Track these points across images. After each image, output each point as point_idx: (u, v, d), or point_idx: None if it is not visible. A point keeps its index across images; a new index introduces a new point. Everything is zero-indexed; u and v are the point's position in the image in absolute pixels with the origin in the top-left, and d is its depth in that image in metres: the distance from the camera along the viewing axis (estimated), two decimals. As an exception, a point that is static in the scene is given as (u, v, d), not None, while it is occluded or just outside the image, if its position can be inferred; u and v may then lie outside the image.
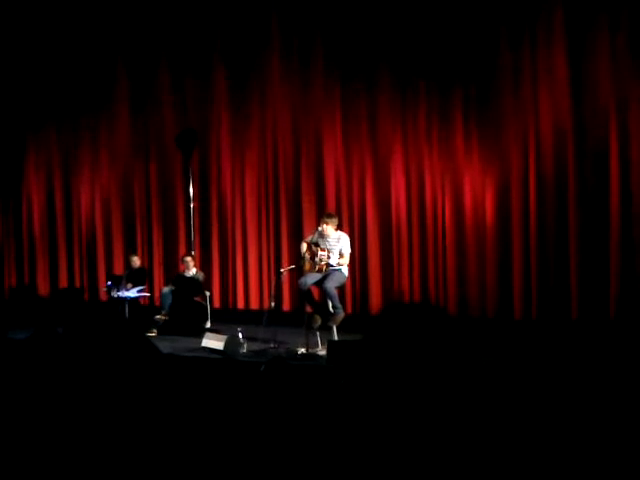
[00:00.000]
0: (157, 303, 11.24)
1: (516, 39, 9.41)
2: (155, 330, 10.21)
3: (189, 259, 10.78)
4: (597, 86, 9.01)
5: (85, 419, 2.98)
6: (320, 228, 8.82)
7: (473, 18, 9.59)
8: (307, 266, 8.78)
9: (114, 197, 12.38)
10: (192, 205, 11.44)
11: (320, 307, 8.86)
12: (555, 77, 9.25)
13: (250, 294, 11.42)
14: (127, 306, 10.66)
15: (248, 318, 10.38)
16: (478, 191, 9.77)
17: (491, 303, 9.74)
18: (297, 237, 10.47)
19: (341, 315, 8.65)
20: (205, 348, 8.76)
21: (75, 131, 12.48)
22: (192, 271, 10.73)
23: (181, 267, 10.95)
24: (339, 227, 9.10)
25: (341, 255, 8.66)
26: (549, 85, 9.29)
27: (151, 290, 11.82)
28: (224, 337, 8.73)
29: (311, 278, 8.74)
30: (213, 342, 8.75)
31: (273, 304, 9.38)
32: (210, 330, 9.69)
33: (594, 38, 8.98)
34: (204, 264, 11.55)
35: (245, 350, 8.76)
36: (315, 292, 9.24)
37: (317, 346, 8.63)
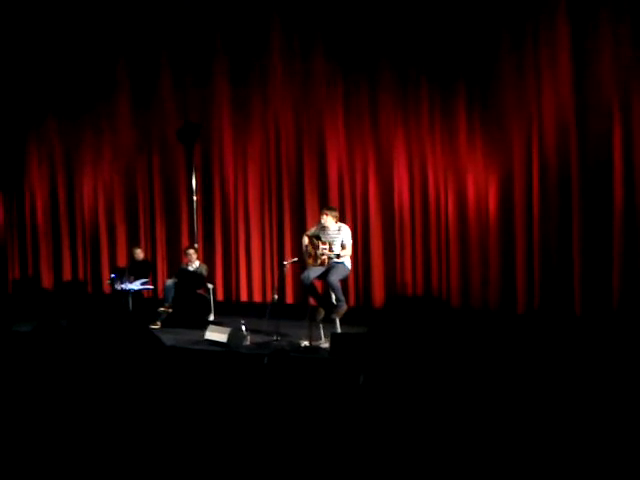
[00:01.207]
0: (160, 296, 11.26)
1: (519, 33, 9.37)
2: (159, 322, 10.23)
3: (192, 252, 10.79)
4: (600, 80, 8.99)
5: (89, 410, 3.00)
6: (322, 220, 8.81)
7: (476, 12, 9.56)
8: (310, 260, 8.77)
9: (117, 190, 12.40)
10: (195, 198, 11.45)
11: (323, 300, 8.86)
12: (558, 71, 9.22)
13: (253, 287, 11.45)
14: (130, 299, 10.67)
15: (251, 311, 10.42)
16: (481, 184, 9.76)
17: (494, 295, 9.74)
18: (300, 230, 10.47)
19: (344, 308, 8.65)
20: (208, 340, 8.78)
21: (77, 125, 12.48)
22: (195, 264, 10.74)
23: (184, 260, 10.96)
24: (342, 220, 9.10)
25: (343, 247, 8.65)
26: (552, 79, 9.26)
27: (154, 283, 11.84)
28: (227, 330, 8.74)
29: (313, 272, 8.73)
30: (216, 335, 8.76)
31: (276, 297, 9.38)
32: (213, 323, 9.71)
33: (597, 32, 8.95)
34: (207, 257, 11.57)
35: (248, 343, 8.78)
36: (318, 285, 9.25)
37: (320, 339, 8.64)
